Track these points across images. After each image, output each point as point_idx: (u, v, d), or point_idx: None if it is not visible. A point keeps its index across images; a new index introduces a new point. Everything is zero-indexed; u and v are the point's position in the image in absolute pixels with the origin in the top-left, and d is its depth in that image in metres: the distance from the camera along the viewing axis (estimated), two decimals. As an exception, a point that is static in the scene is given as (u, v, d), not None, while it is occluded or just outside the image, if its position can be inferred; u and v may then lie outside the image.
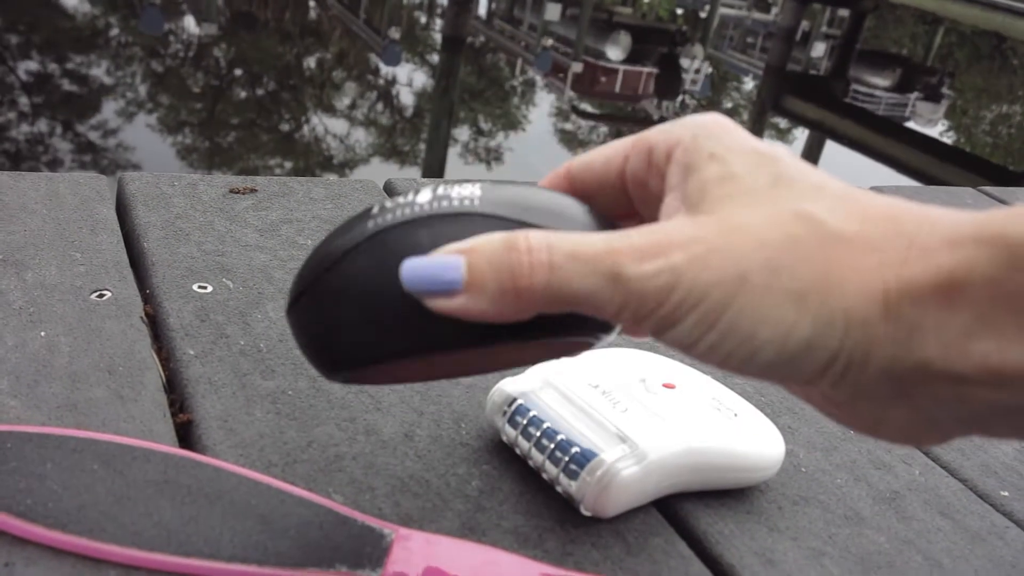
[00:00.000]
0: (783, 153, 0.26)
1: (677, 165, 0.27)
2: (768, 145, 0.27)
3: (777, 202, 0.24)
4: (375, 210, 0.28)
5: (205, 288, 0.46)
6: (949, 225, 0.22)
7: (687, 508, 0.39)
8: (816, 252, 0.23)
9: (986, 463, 0.47)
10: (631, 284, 0.24)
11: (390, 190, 0.64)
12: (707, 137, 0.27)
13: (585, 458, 0.35)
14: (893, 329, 0.22)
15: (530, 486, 0.37)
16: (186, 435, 0.37)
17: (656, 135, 0.28)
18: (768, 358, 0.23)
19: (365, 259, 0.27)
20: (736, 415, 0.40)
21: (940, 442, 0.25)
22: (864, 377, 0.23)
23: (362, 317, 0.27)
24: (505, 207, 0.27)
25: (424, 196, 0.27)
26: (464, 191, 0.27)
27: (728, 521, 0.38)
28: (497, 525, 0.35)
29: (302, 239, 0.53)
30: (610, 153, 0.29)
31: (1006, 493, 0.45)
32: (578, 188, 0.30)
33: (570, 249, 0.24)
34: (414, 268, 0.25)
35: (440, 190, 0.27)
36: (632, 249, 0.24)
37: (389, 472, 0.36)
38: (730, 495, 0.40)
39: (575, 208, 0.28)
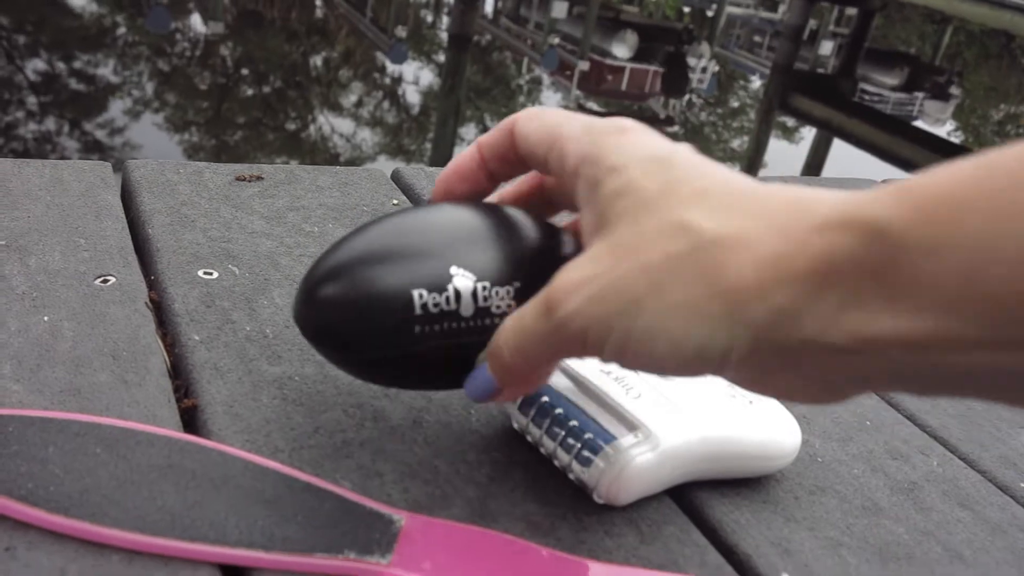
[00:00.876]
0: (680, 154, 0.28)
1: (584, 180, 0.29)
2: (667, 147, 0.29)
3: (661, 212, 0.27)
4: (417, 309, 0.31)
5: (211, 274, 0.45)
6: (818, 211, 0.25)
7: (701, 497, 0.38)
8: (694, 263, 0.25)
9: (1005, 455, 0.46)
10: (558, 335, 0.28)
11: (398, 179, 0.63)
12: (610, 149, 0.29)
13: (598, 445, 0.35)
14: (774, 316, 0.24)
15: (542, 473, 0.37)
16: (191, 420, 0.36)
17: (569, 144, 0.30)
18: (673, 365, 0.27)
19: (414, 363, 0.32)
20: (751, 402, 0.39)
21: (842, 400, 0.27)
22: (758, 359, 0.26)
23: (405, 383, 0.34)
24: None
25: (466, 306, 0.31)
26: (503, 302, 0.31)
27: (743, 510, 0.38)
28: (508, 512, 0.34)
29: (308, 226, 0.53)
30: (542, 136, 0.32)
31: (1026, 484, 0.44)
32: (517, 153, 0.33)
33: (518, 328, 0.29)
34: (472, 390, 0.32)
35: (481, 298, 0.31)
36: (547, 304, 0.28)
37: (398, 458, 0.36)
38: (745, 484, 0.39)
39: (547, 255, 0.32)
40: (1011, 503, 0.42)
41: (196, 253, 0.47)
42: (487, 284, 0.31)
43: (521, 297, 0.31)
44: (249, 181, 0.57)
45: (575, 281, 0.27)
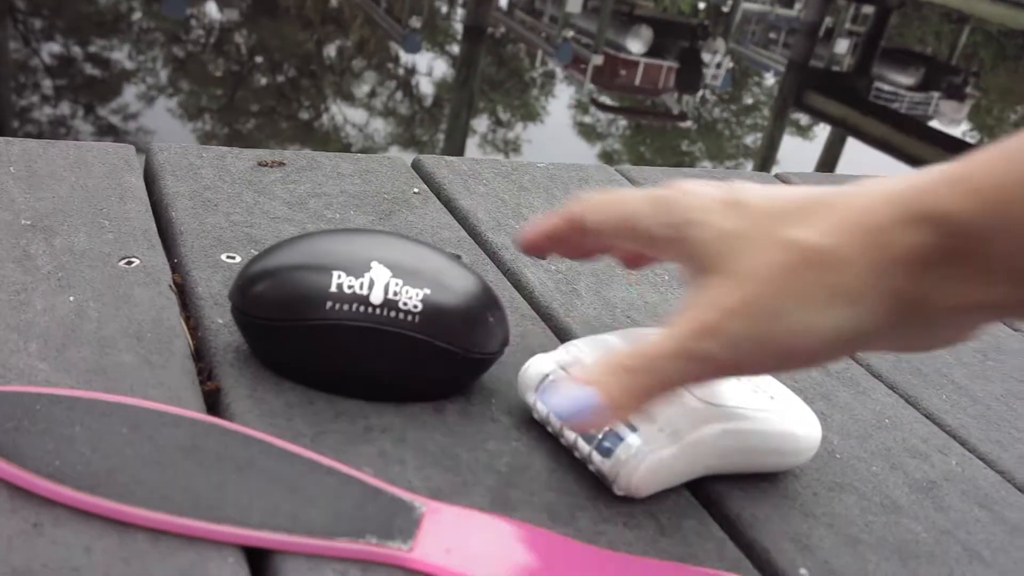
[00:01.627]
0: (742, 192, 0.32)
1: (673, 243, 0.33)
2: (726, 189, 0.33)
3: (763, 239, 0.30)
4: (333, 286, 0.35)
5: (234, 258, 0.46)
6: (894, 210, 0.29)
7: (719, 491, 0.38)
8: (811, 269, 0.29)
9: (1024, 455, 0.46)
10: (707, 362, 0.31)
11: (418, 168, 0.63)
12: (682, 209, 0.33)
13: (619, 437, 0.35)
14: (888, 299, 0.29)
15: (562, 463, 0.37)
16: (214, 403, 0.36)
17: (645, 222, 0.34)
18: (822, 355, 0.31)
19: (318, 336, 0.36)
20: (772, 397, 0.39)
21: (961, 341, 0.32)
22: (882, 332, 0.30)
23: (307, 363, 0.37)
24: (438, 327, 0.36)
25: (377, 294, 0.35)
26: (411, 301, 0.35)
27: (762, 505, 0.38)
28: (528, 502, 0.34)
29: (330, 213, 0.53)
30: (616, 225, 0.36)
31: (1045, 486, 0.44)
32: (586, 240, 0.38)
33: (656, 354, 0.32)
34: (568, 411, 0.33)
35: (392, 291, 0.35)
36: (692, 334, 0.31)
37: (419, 445, 0.36)
38: (764, 480, 0.39)
39: (490, 311, 0.38)
40: (1030, 504, 0.42)
41: (219, 237, 0.47)
42: (400, 282, 0.35)
43: (427, 303, 0.36)
44: (271, 166, 0.57)
45: (712, 315, 0.31)
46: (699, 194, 0.33)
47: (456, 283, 0.37)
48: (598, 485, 0.36)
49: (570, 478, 0.36)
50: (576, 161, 0.70)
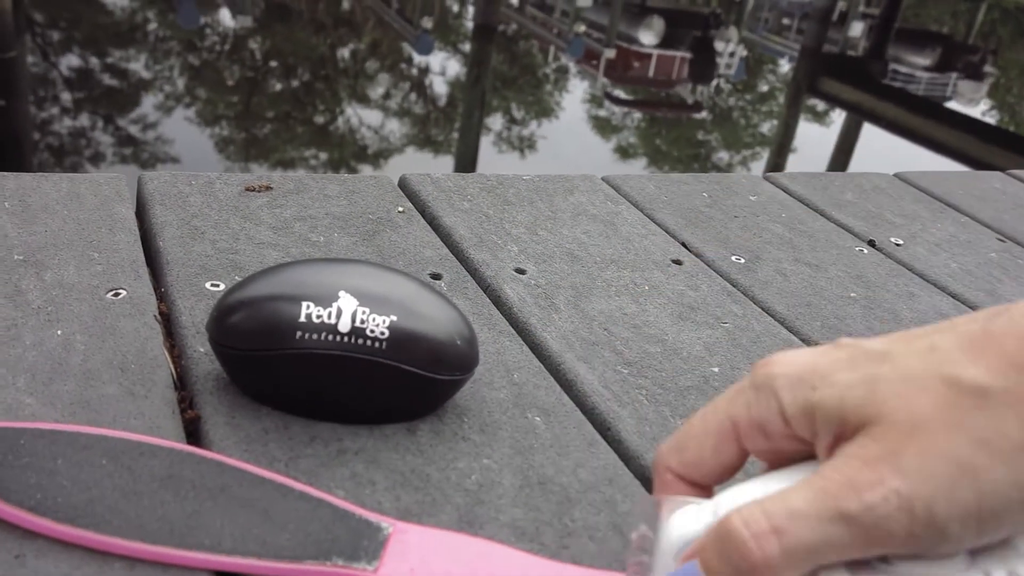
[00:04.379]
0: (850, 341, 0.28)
1: (806, 418, 0.27)
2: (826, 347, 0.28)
3: (925, 380, 0.25)
4: (302, 316, 0.37)
5: (217, 286, 0.47)
6: None
7: (687, 501, 0.39)
8: (980, 412, 0.24)
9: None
10: (863, 519, 0.24)
11: (404, 186, 0.65)
12: (807, 384, 0.27)
13: None
14: None
15: (530, 480, 0.38)
16: (194, 431, 0.38)
17: (762, 413, 0.28)
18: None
19: (290, 365, 0.37)
20: None
21: None
22: None
23: (281, 393, 0.39)
24: (405, 352, 0.37)
25: (344, 323, 0.37)
26: (378, 328, 0.37)
27: (728, 514, 0.39)
28: (495, 519, 0.36)
29: (315, 236, 0.54)
30: (715, 445, 0.29)
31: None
32: (699, 482, 0.30)
33: (786, 509, 0.25)
34: None
35: (359, 319, 0.37)
36: (843, 486, 0.25)
37: (391, 466, 0.37)
38: (731, 488, 0.40)
39: (457, 334, 0.39)
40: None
41: (204, 265, 0.49)
42: (367, 310, 0.37)
43: (394, 329, 0.37)
44: (258, 191, 0.58)
45: (873, 465, 0.25)
46: (794, 356, 0.28)
47: (423, 309, 0.39)
48: (564, 501, 0.37)
49: (537, 495, 0.37)
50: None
